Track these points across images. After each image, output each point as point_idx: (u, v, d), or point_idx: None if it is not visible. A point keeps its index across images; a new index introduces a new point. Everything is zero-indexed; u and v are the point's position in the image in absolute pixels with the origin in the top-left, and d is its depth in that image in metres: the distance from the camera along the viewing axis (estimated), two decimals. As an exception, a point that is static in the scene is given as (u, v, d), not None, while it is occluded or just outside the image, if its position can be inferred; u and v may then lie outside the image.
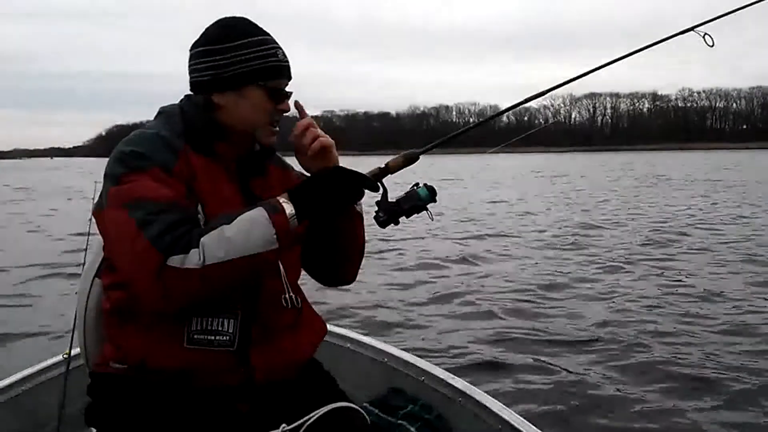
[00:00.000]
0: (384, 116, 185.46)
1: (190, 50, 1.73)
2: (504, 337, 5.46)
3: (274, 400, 1.71)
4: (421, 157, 1.86)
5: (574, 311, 6.32)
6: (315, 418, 1.65)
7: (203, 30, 1.73)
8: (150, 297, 1.50)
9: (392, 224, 1.78)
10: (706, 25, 2.24)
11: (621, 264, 8.75)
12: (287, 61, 1.74)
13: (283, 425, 1.62)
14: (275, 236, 1.53)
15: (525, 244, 10.84)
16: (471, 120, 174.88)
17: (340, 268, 1.95)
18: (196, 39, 1.73)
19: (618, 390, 4.31)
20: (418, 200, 1.74)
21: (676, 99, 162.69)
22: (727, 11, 2.34)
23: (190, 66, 1.73)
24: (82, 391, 1.79)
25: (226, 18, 1.74)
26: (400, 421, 2.34)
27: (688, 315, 6.06)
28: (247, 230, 1.51)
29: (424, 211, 1.76)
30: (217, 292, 1.56)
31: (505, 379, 4.48)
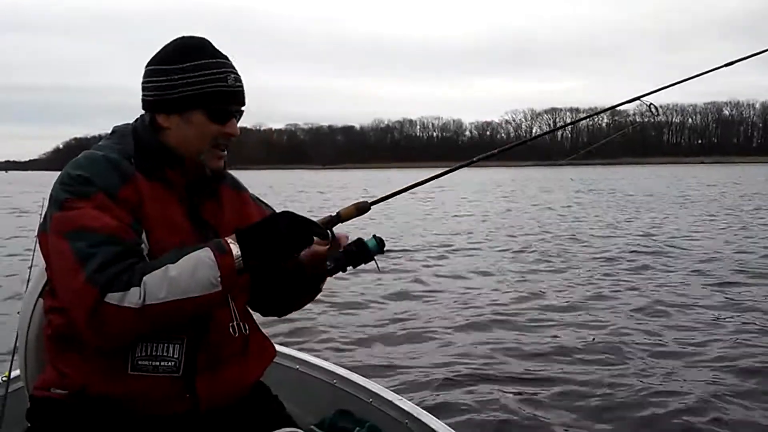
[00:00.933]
0: (348, 130, 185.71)
1: (145, 66, 1.71)
2: (453, 359, 5.44)
3: (220, 426, 1.68)
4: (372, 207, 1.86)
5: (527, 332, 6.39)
6: None
7: (161, 47, 1.71)
8: (87, 332, 1.48)
9: (340, 272, 1.78)
10: (652, 95, 2.34)
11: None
12: (239, 87, 1.69)
13: None
14: (219, 279, 1.50)
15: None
16: (435, 134, 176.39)
17: (278, 307, 1.96)
18: (153, 55, 1.70)
19: (562, 415, 4.34)
20: (367, 251, 1.74)
21: (634, 114, 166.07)
22: (670, 83, 2.47)
23: (142, 83, 1.71)
24: (21, 415, 1.74)
25: (184, 38, 1.71)
26: (346, 444, 2.33)
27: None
28: (191, 271, 1.48)
29: (372, 261, 1.76)
30: (156, 331, 1.54)
31: (453, 401, 4.46)
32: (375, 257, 1.76)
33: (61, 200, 1.53)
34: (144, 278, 1.46)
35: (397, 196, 1.97)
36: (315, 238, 1.65)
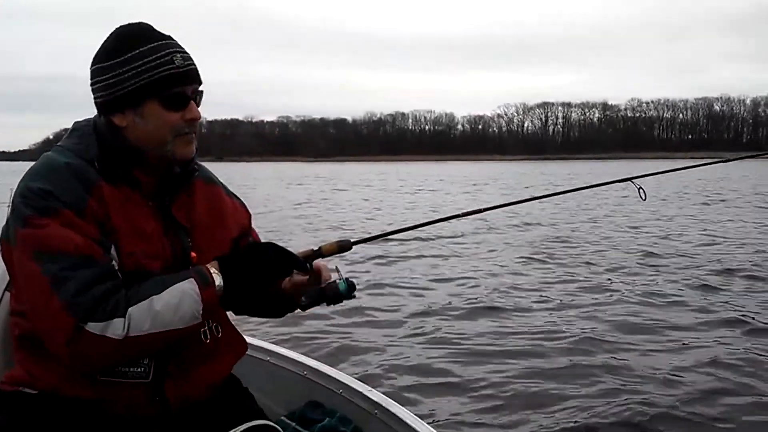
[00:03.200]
0: (340, 122, 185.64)
1: (90, 68, 1.61)
2: (423, 349, 5.49)
3: (190, 423, 1.68)
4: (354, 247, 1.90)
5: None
6: None
7: (101, 43, 1.60)
8: (62, 357, 1.46)
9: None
10: (642, 178, 2.35)
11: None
12: (190, 65, 1.59)
13: None
14: (201, 312, 1.51)
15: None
16: (427, 128, 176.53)
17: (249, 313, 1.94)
18: (94, 54, 1.60)
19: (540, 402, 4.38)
20: (338, 294, 1.75)
21: (626, 109, 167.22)
22: (660, 170, 2.54)
23: (90, 86, 1.61)
24: None
25: (119, 28, 1.61)
26: (316, 434, 2.32)
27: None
28: (176, 304, 1.47)
29: (340, 303, 1.78)
30: (133, 359, 1.54)
31: (423, 391, 4.50)
32: (344, 300, 1.78)
33: (25, 216, 1.46)
34: (129, 310, 1.44)
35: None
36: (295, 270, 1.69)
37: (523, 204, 2.46)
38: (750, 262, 9.52)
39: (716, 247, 11.14)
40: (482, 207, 2.20)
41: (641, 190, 2.33)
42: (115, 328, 1.42)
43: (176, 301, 1.47)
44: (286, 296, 1.82)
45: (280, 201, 23.44)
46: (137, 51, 1.54)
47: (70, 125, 1.68)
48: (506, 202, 2.33)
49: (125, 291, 1.47)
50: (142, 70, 1.53)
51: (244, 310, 1.89)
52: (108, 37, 1.60)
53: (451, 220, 2.20)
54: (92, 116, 1.66)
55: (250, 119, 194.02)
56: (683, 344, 5.55)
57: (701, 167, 2.86)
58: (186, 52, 1.60)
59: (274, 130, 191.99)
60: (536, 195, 2.48)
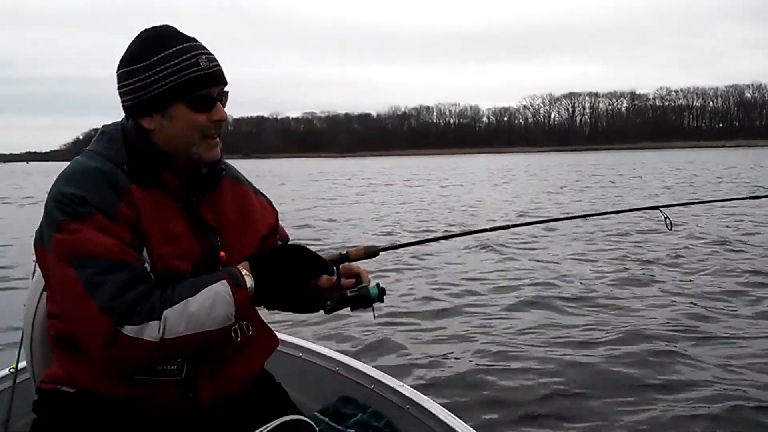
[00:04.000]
0: (365, 117, 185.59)
1: (116, 72, 1.62)
2: (454, 344, 5.45)
3: (225, 417, 1.70)
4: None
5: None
6: (265, 431, 1.65)
7: (126, 47, 1.61)
8: (99, 360, 1.48)
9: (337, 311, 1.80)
10: (670, 208, 2.36)
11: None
12: (215, 66, 1.59)
13: None
14: (234, 314, 1.53)
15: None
16: (452, 121, 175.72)
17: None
18: (120, 58, 1.61)
19: (576, 398, 4.33)
20: (368, 298, 1.75)
21: (654, 98, 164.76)
22: (690, 201, 2.61)
23: (117, 90, 1.61)
24: (28, 405, 1.76)
25: (144, 31, 1.61)
26: (349, 430, 2.33)
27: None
28: (209, 306, 1.49)
29: (369, 307, 1.78)
30: (167, 362, 1.57)
31: (455, 386, 4.48)
32: (373, 305, 1.77)
33: (58, 221, 1.48)
34: (165, 312, 1.46)
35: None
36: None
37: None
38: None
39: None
40: (510, 223, 2.27)
41: (668, 220, 2.30)
42: (151, 331, 1.44)
43: (209, 303, 1.49)
44: (312, 296, 1.82)
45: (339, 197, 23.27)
46: (163, 54, 1.55)
47: (99, 125, 1.69)
48: (535, 220, 2.44)
49: (159, 293, 1.49)
50: (168, 73, 1.54)
51: (274, 306, 1.90)
52: (133, 41, 1.60)
53: (477, 234, 2.21)
54: (120, 119, 1.67)
55: (275, 116, 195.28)
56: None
57: (738, 200, 2.91)
58: (211, 54, 1.60)
59: (299, 127, 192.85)
60: (562, 216, 2.52)
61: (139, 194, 1.56)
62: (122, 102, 1.62)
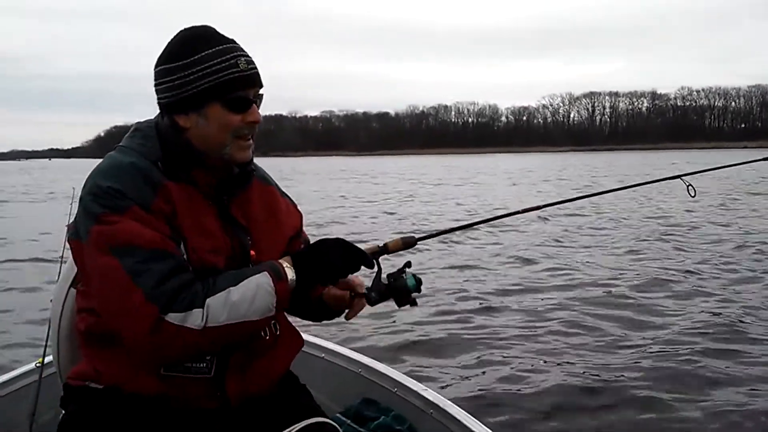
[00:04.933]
0: (383, 116, 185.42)
1: (154, 69, 1.64)
2: (482, 347, 5.43)
3: (250, 417, 1.71)
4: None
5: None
6: None
7: (165, 45, 1.63)
8: (141, 349, 1.48)
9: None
10: (692, 176, 2.34)
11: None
12: (253, 68, 1.62)
13: None
14: (275, 305, 1.54)
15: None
16: (470, 120, 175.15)
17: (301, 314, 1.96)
18: (159, 55, 1.63)
19: (595, 399, 4.31)
20: (406, 288, 1.75)
21: (675, 98, 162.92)
22: (710, 167, 2.55)
23: (154, 86, 1.64)
24: (54, 400, 1.78)
25: (184, 30, 1.63)
26: (371, 432, 2.34)
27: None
28: (251, 297, 1.51)
29: (409, 298, 1.77)
30: (209, 351, 1.58)
31: (479, 391, 4.46)
32: (411, 294, 1.77)
33: (97, 214, 1.49)
34: (207, 300, 1.47)
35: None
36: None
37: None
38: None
39: None
40: (540, 204, 2.23)
41: (690, 187, 2.29)
42: (195, 319, 1.45)
43: (251, 294, 1.51)
44: (327, 303, 1.85)
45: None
46: (203, 54, 1.57)
47: (121, 123, 1.73)
48: (563, 199, 2.39)
49: (201, 283, 1.50)
50: (207, 73, 1.56)
51: (295, 310, 1.91)
52: (172, 40, 1.63)
53: (512, 216, 2.21)
54: (154, 117, 1.70)
55: (293, 114, 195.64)
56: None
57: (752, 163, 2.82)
58: (249, 56, 1.62)
59: (317, 125, 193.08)
60: (589, 193, 2.49)
61: (174, 189, 1.59)
62: (159, 99, 1.64)
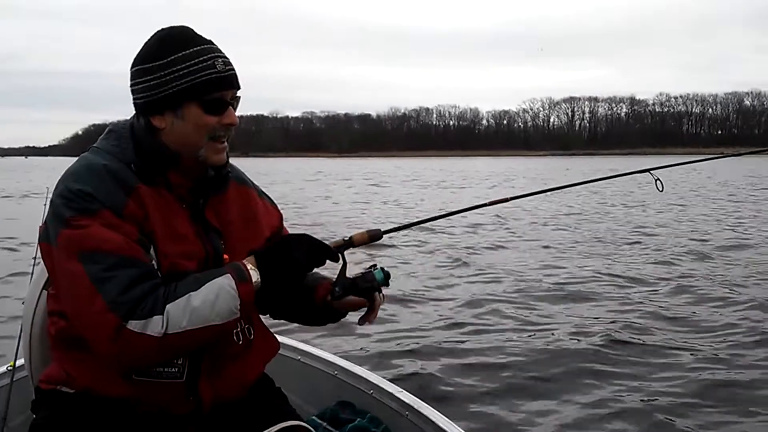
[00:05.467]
0: (365, 118, 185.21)
1: (130, 69, 1.63)
2: (451, 347, 5.46)
3: (224, 421, 1.70)
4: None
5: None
6: None
7: (142, 45, 1.63)
8: (104, 356, 1.48)
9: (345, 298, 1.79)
10: (661, 170, 2.39)
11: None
12: (230, 70, 1.61)
13: None
14: (238, 307, 1.52)
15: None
16: (451, 123, 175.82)
17: (284, 316, 1.95)
18: (135, 55, 1.62)
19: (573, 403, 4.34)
20: (374, 282, 1.75)
21: (654, 104, 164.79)
22: (680, 162, 2.63)
23: (130, 86, 1.63)
24: (26, 404, 1.76)
25: (162, 30, 1.63)
26: (347, 435, 2.33)
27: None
28: (213, 300, 1.49)
29: (376, 292, 1.78)
30: (172, 357, 1.56)
31: (454, 393, 4.48)
32: (381, 289, 1.77)
33: (66, 217, 1.48)
34: (167, 307, 1.46)
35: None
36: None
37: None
38: None
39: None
40: (508, 196, 2.22)
41: (658, 181, 2.33)
42: (155, 326, 1.44)
43: (213, 297, 1.49)
44: (320, 307, 1.84)
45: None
46: (180, 54, 1.56)
47: (97, 122, 1.73)
48: (533, 191, 2.37)
49: (164, 289, 1.49)
50: (184, 74, 1.56)
51: (278, 311, 1.90)
52: (149, 40, 1.61)
53: (480, 209, 2.19)
54: (129, 119, 1.68)
55: (275, 115, 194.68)
56: None
57: (714, 159, 2.91)
58: (227, 58, 1.62)
59: (298, 126, 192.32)
60: (562, 185, 2.50)
61: (147, 193, 1.57)
62: (134, 99, 1.63)
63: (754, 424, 3.96)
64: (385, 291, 1.80)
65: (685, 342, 5.53)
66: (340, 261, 1.73)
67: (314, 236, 1.69)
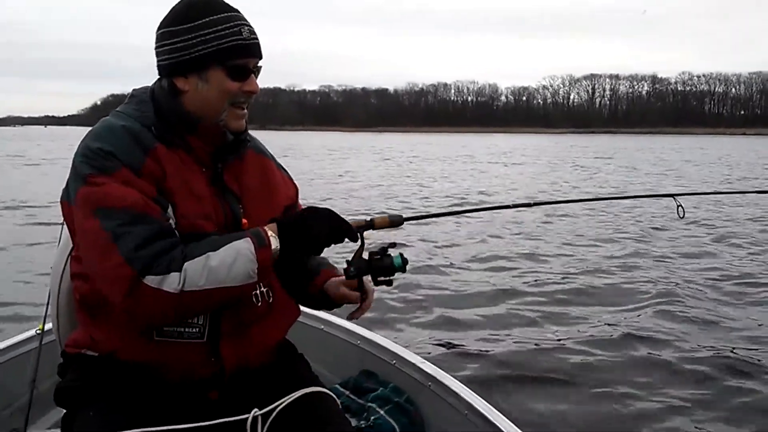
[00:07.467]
0: (382, 93, 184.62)
1: (156, 32, 1.65)
2: (481, 323, 5.49)
3: (246, 385, 1.70)
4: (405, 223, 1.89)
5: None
6: (287, 403, 1.64)
7: (169, 9, 1.64)
8: (120, 310, 1.49)
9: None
10: (684, 196, 2.43)
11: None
12: (254, 39, 1.64)
13: (255, 410, 1.60)
14: (256, 271, 1.52)
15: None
16: (469, 99, 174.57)
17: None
18: (161, 19, 1.64)
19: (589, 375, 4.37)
20: (391, 267, 1.74)
21: (676, 82, 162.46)
22: (705, 191, 2.73)
23: (155, 49, 1.65)
24: (54, 368, 1.78)
25: None
26: (369, 404, 2.35)
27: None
28: (231, 262, 1.49)
29: (391, 277, 1.76)
30: (187, 316, 1.57)
31: (475, 364, 4.50)
32: (395, 274, 1.76)
33: (85, 174, 1.50)
34: (185, 265, 1.46)
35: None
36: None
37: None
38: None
39: None
40: (532, 201, 2.33)
41: (680, 208, 2.35)
42: (172, 282, 1.44)
43: (231, 260, 1.50)
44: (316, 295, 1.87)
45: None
46: (208, 19, 1.58)
47: (115, 92, 1.73)
48: (554, 200, 2.50)
49: (182, 247, 1.50)
50: (211, 38, 1.57)
51: (291, 291, 1.89)
52: (178, 4, 1.63)
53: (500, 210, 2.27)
54: (151, 84, 1.70)
55: (291, 88, 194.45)
56: None
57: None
58: (251, 27, 1.64)
59: (315, 99, 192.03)
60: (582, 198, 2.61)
61: (166, 153, 1.58)
62: (159, 61, 1.64)
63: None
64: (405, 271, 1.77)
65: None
66: (359, 241, 1.73)
67: (336, 213, 1.68)
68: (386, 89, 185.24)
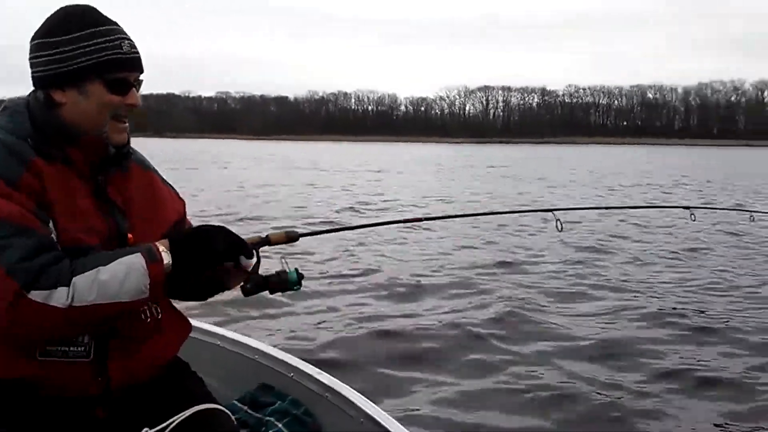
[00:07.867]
0: (282, 100, 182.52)
1: (30, 42, 1.62)
2: (374, 333, 5.60)
3: (135, 403, 1.68)
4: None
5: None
6: (179, 421, 1.63)
7: (45, 19, 1.62)
8: (3, 324, 1.44)
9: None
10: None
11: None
12: (135, 53, 1.65)
13: (146, 429, 1.59)
14: (148, 286, 1.51)
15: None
16: (370, 108, 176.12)
17: (181, 296, 1.91)
18: (36, 29, 1.62)
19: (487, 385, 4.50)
20: (287, 283, 1.78)
21: (564, 94, 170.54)
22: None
23: (30, 60, 1.62)
24: None
25: (68, 7, 1.63)
26: (268, 418, 2.34)
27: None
28: (122, 277, 1.48)
29: (287, 291, 1.82)
30: (75, 332, 1.53)
31: (374, 374, 4.61)
32: (291, 289, 1.81)
33: None
34: (74, 279, 1.44)
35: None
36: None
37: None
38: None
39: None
40: (422, 216, 2.43)
41: (558, 222, 2.46)
42: (59, 297, 1.42)
43: (123, 275, 1.48)
44: (215, 280, 1.84)
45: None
46: (87, 31, 1.58)
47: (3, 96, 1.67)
48: (445, 215, 2.63)
49: (69, 261, 1.48)
50: (90, 50, 1.57)
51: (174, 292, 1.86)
52: (54, 15, 1.61)
53: (394, 224, 2.34)
54: (26, 95, 1.67)
55: (186, 94, 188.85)
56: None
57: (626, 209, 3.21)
58: (132, 41, 1.65)
59: (212, 106, 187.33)
60: (474, 212, 2.77)
61: (44, 166, 1.55)
62: (34, 72, 1.61)
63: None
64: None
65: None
66: (254, 258, 1.75)
67: (231, 230, 1.69)
68: (286, 97, 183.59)
